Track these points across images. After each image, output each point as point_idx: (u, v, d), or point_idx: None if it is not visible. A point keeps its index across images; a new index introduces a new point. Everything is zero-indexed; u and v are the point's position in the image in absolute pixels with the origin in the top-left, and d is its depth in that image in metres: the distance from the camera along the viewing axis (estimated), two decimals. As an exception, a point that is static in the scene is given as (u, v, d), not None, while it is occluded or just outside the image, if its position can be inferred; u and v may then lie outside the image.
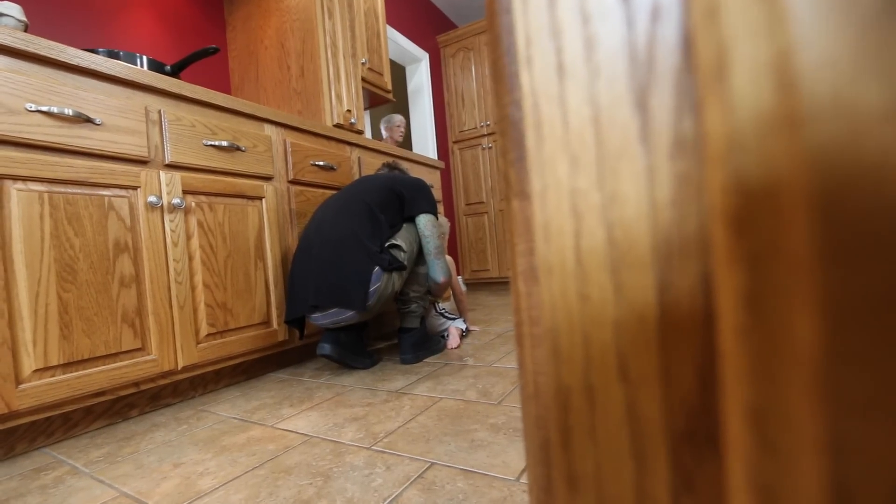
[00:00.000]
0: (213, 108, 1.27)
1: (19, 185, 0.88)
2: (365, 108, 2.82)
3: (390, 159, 1.89)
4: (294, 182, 1.50)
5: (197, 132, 1.20)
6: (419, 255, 1.43)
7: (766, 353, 0.08)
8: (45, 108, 0.91)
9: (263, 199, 1.38)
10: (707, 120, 0.09)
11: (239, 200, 1.30)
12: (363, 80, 2.21)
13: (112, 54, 1.18)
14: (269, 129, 1.43)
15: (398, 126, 2.92)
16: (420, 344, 1.43)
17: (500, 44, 0.16)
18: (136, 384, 1.05)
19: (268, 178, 1.41)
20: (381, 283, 1.24)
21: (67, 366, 0.92)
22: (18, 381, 0.86)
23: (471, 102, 3.70)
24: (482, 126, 3.66)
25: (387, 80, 2.45)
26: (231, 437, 0.93)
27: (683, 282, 0.09)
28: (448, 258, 1.52)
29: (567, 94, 0.12)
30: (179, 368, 1.12)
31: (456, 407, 0.99)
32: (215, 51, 1.27)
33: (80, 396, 0.95)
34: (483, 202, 3.70)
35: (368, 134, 2.76)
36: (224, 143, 1.25)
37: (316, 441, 0.88)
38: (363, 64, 2.24)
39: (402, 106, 4.72)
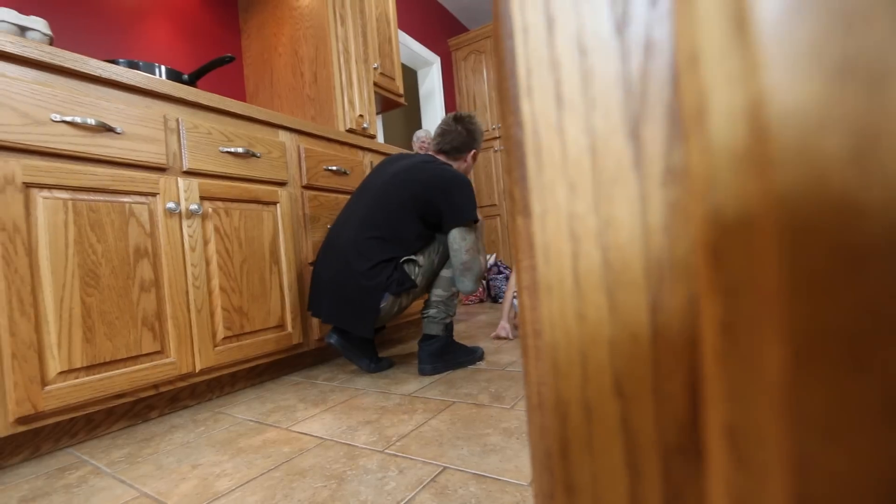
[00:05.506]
0: (229, 116, 1.29)
1: (45, 193, 0.91)
2: (377, 113, 2.85)
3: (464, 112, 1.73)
4: (308, 187, 1.53)
5: (213, 139, 1.23)
6: (444, 257, 1.37)
7: (740, 376, 0.09)
8: (69, 119, 0.94)
9: (278, 205, 1.40)
10: (690, 156, 0.10)
11: (254, 206, 1.33)
12: (375, 84, 2.23)
13: (132, 64, 1.22)
14: (283, 136, 1.45)
15: (420, 140, 2.99)
16: (440, 354, 1.32)
17: (504, 68, 0.17)
18: (155, 386, 1.08)
19: (282, 184, 1.43)
20: (386, 304, 1.27)
21: (90, 368, 0.95)
22: (44, 383, 0.89)
23: (482, 105, 3.71)
24: (494, 129, 3.66)
25: (399, 85, 2.47)
26: (247, 440, 0.95)
27: (673, 304, 0.10)
28: (481, 260, 1.35)
29: (565, 123, 0.12)
30: (197, 371, 1.14)
31: (469, 411, 1.00)
32: (231, 59, 1.31)
33: (102, 398, 0.97)
34: (496, 205, 3.70)
35: (381, 138, 2.80)
36: (240, 150, 1.28)
37: (330, 444, 0.89)
38: (375, 69, 2.27)
39: (413, 110, 4.75)
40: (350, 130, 1.80)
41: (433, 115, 3.63)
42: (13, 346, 0.84)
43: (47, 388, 0.89)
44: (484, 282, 3.29)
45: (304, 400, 1.19)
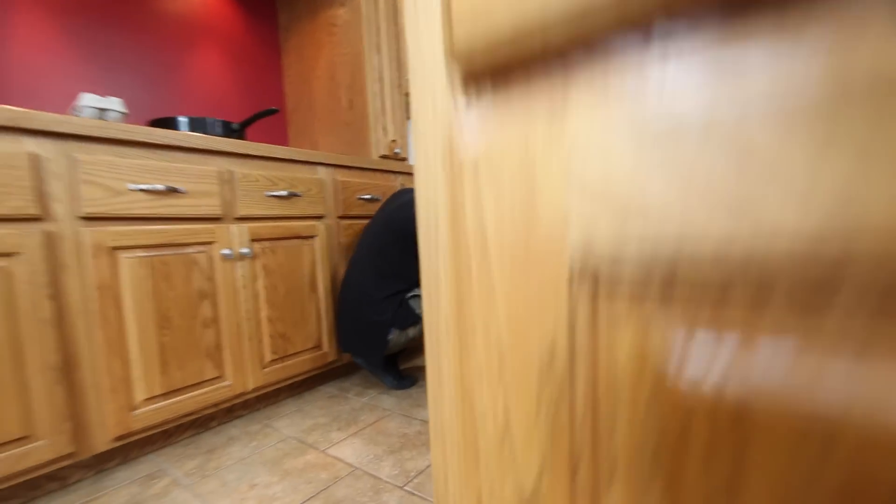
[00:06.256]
0: (274, 160, 1.43)
1: (127, 253, 1.08)
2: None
3: None
4: (343, 217, 1.66)
5: (260, 186, 1.37)
6: None
7: None
8: (142, 187, 1.10)
9: (316, 237, 1.55)
10: None
11: (295, 241, 1.48)
12: (408, 94, 2.31)
13: (192, 122, 1.36)
14: (321, 172, 1.58)
15: None
16: None
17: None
18: (215, 405, 1.28)
19: (320, 217, 1.58)
20: (393, 336, 1.44)
21: (166, 394, 1.15)
22: (133, 409, 1.09)
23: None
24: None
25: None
26: (292, 460, 1.14)
27: None
28: None
29: None
30: (249, 390, 1.34)
31: (477, 446, 1.15)
32: (275, 111, 1.43)
33: (175, 417, 1.18)
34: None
35: (411, 158, 2.89)
36: (283, 193, 1.42)
37: (359, 474, 1.06)
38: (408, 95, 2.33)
39: None
40: (383, 156, 1.90)
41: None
42: (110, 381, 1.04)
43: (135, 412, 1.09)
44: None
45: (338, 418, 1.37)
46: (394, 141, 1.93)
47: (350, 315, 1.47)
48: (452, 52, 0.26)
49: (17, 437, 0.91)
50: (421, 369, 1.77)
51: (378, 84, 1.86)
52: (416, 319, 1.46)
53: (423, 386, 1.58)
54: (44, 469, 0.96)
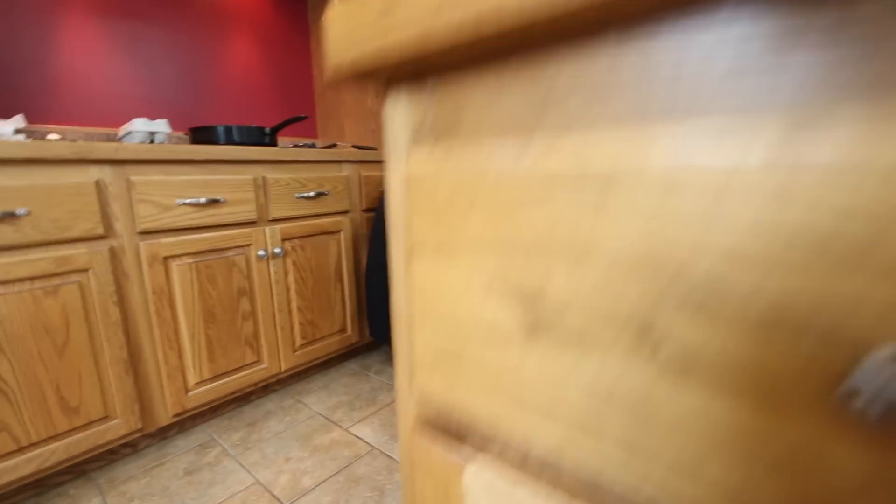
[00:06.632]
0: (303, 163, 1.52)
1: (177, 261, 1.23)
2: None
3: None
4: (367, 210, 1.77)
5: (291, 189, 1.48)
6: None
7: None
8: (188, 201, 1.23)
9: (342, 232, 1.67)
10: None
11: (322, 237, 1.61)
12: None
13: (228, 130, 1.45)
14: (345, 169, 1.67)
15: None
16: None
17: None
18: (254, 384, 1.48)
19: (345, 212, 1.69)
20: None
21: (214, 378, 1.35)
22: (187, 391, 1.29)
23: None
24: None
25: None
26: (320, 437, 1.33)
27: None
28: None
29: None
30: (283, 371, 1.53)
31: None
32: (304, 118, 1.50)
33: (221, 396, 1.38)
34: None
35: None
36: (311, 194, 1.53)
37: (376, 453, 1.25)
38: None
39: None
40: (404, 147, 1.96)
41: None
42: (167, 370, 1.23)
43: (189, 393, 1.29)
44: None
45: (359, 397, 1.56)
46: (416, 131, 1.98)
47: (383, 308, 1.61)
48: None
49: (99, 417, 1.12)
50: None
51: (402, 75, 1.88)
52: None
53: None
54: (119, 441, 1.18)
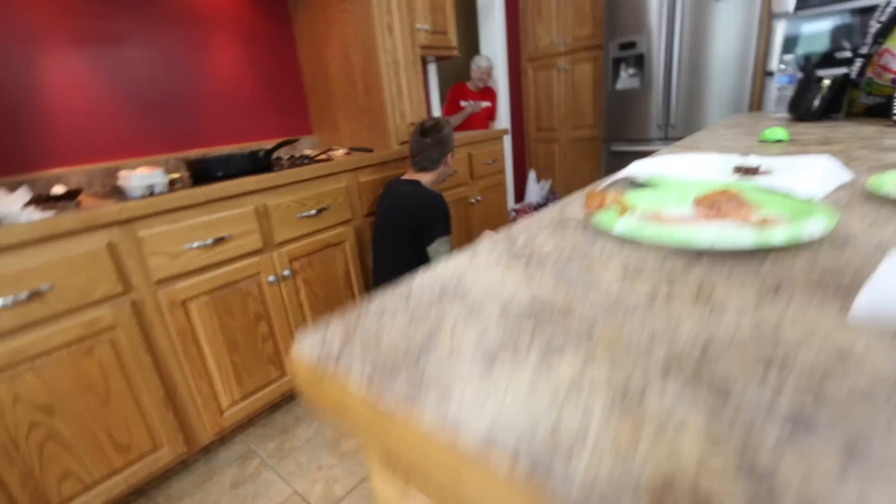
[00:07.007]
0: (300, 183, 1.54)
1: (195, 302, 1.31)
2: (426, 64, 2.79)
3: (428, 121, 1.69)
4: (368, 215, 1.79)
5: (292, 211, 1.51)
6: None
7: None
8: (195, 245, 1.28)
9: (346, 242, 1.71)
10: None
11: (328, 250, 1.65)
12: (426, 47, 2.21)
13: (222, 161, 1.45)
14: (343, 179, 1.67)
15: (482, 70, 2.95)
16: None
17: None
18: (281, 395, 1.60)
19: (348, 222, 1.72)
20: None
21: (244, 397, 1.47)
22: (222, 413, 1.42)
23: (548, 14, 3.34)
24: (559, 43, 3.35)
25: (451, 37, 2.40)
26: (346, 442, 1.47)
27: None
28: None
29: None
30: (306, 379, 1.65)
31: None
32: (296, 140, 1.48)
33: (253, 410, 1.51)
34: (555, 129, 3.62)
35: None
36: (313, 212, 1.55)
37: (397, 460, 1.38)
38: (427, 30, 2.21)
39: (471, 21, 4.03)
40: (403, 143, 1.93)
41: (491, 27, 3.37)
42: (202, 398, 1.35)
43: (224, 414, 1.42)
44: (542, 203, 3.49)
45: (379, 397, 1.68)
46: (412, 123, 1.94)
47: None
48: None
49: (149, 449, 1.25)
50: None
51: (393, 68, 1.82)
52: None
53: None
54: (169, 465, 1.32)
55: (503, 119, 3.54)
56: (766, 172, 0.59)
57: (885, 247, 0.35)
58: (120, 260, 1.16)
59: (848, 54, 2.17)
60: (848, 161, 0.68)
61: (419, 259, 1.64)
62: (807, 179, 0.52)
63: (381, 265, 1.69)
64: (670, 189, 0.54)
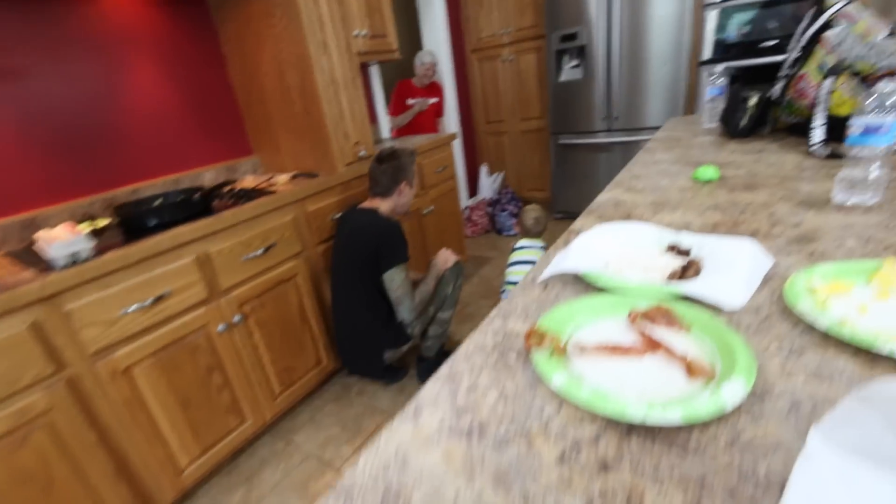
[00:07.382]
0: (243, 223, 1.46)
1: (139, 366, 1.24)
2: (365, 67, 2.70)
3: (386, 149, 1.72)
4: (321, 243, 1.74)
5: (236, 254, 1.44)
6: (434, 298, 1.74)
7: None
8: (132, 308, 1.20)
9: (298, 275, 1.66)
10: None
11: (279, 288, 1.60)
12: (365, 53, 2.12)
13: (154, 208, 1.35)
14: (290, 212, 1.61)
15: (426, 67, 2.90)
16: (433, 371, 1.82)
17: None
18: (244, 441, 1.56)
19: (298, 254, 1.66)
20: (388, 355, 1.71)
21: (203, 452, 1.42)
22: (181, 472, 1.37)
23: (489, 4, 3.27)
24: (503, 34, 3.31)
25: (391, 40, 2.32)
26: (314, 483, 1.46)
27: None
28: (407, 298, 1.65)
29: None
30: (267, 420, 1.61)
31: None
32: (234, 181, 1.40)
33: (214, 463, 1.47)
34: (503, 120, 3.61)
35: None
36: (259, 252, 1.49)
37: (368, 497, 1.39)
38: (365, 35, 2.13)
39: (412, 14, 3.86)
40: (349, 164, 1.86)
41: (432, 18, 3.27)
42: (157, 462, 1.30)
43: (184, 474, 1.37)
44: (490, 211, 3.50)
45: (346, 428, 1.67)
46: (357, 143, 1.88)
47: (348, 341, 1.71)
48: None
49: (104, 526, 1.20)
50: (408, 357, 2.03)
51: (332, 87, 1.74)
52: (407, 339, 1.68)
53: (414, 375, 1.87)
54: (130, 533, 1.27)
55: (451, 112, 3.49)
56: (697, 261, 0.62)
57: (797, 407, 0.37)
58: (47, 339, 1.07)
59: (774, 41, 2.28)
60: (769, 230, 0.72)
61: (378, 288, 1.63)
62: (732, 283, 0.55)
63: (340, 297, 1.67)
64: (605, 297, 0.56)
